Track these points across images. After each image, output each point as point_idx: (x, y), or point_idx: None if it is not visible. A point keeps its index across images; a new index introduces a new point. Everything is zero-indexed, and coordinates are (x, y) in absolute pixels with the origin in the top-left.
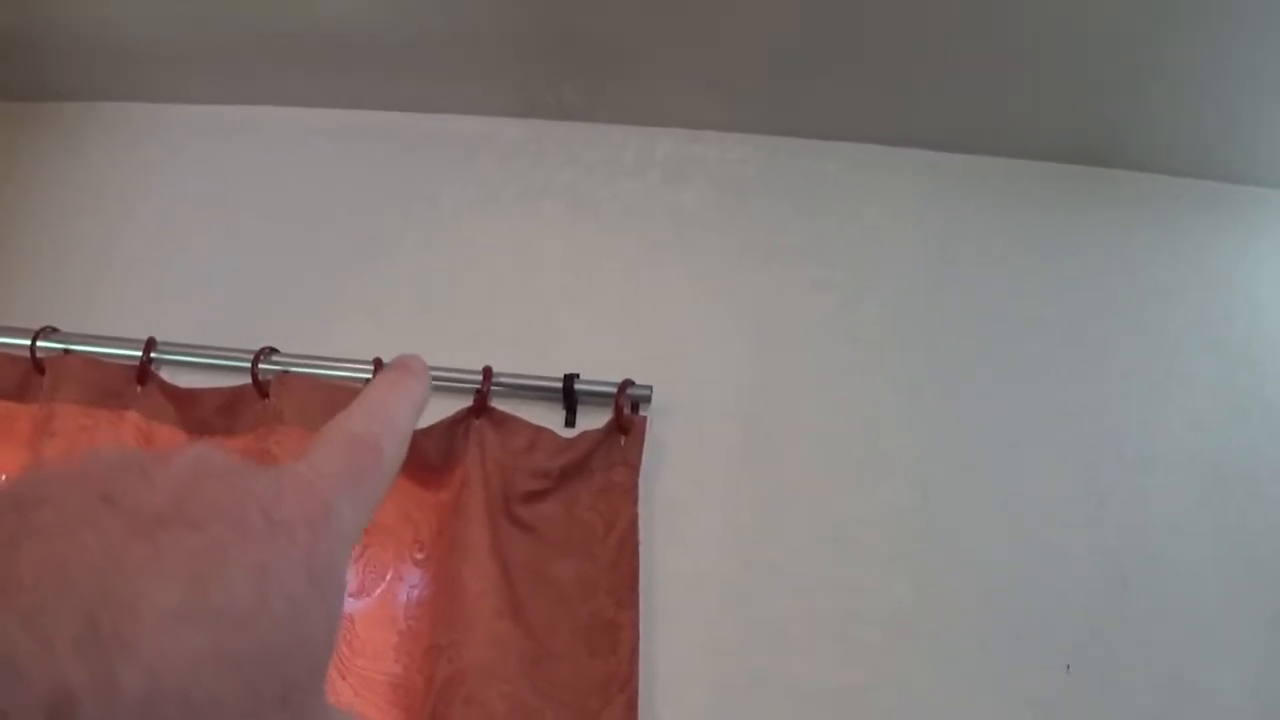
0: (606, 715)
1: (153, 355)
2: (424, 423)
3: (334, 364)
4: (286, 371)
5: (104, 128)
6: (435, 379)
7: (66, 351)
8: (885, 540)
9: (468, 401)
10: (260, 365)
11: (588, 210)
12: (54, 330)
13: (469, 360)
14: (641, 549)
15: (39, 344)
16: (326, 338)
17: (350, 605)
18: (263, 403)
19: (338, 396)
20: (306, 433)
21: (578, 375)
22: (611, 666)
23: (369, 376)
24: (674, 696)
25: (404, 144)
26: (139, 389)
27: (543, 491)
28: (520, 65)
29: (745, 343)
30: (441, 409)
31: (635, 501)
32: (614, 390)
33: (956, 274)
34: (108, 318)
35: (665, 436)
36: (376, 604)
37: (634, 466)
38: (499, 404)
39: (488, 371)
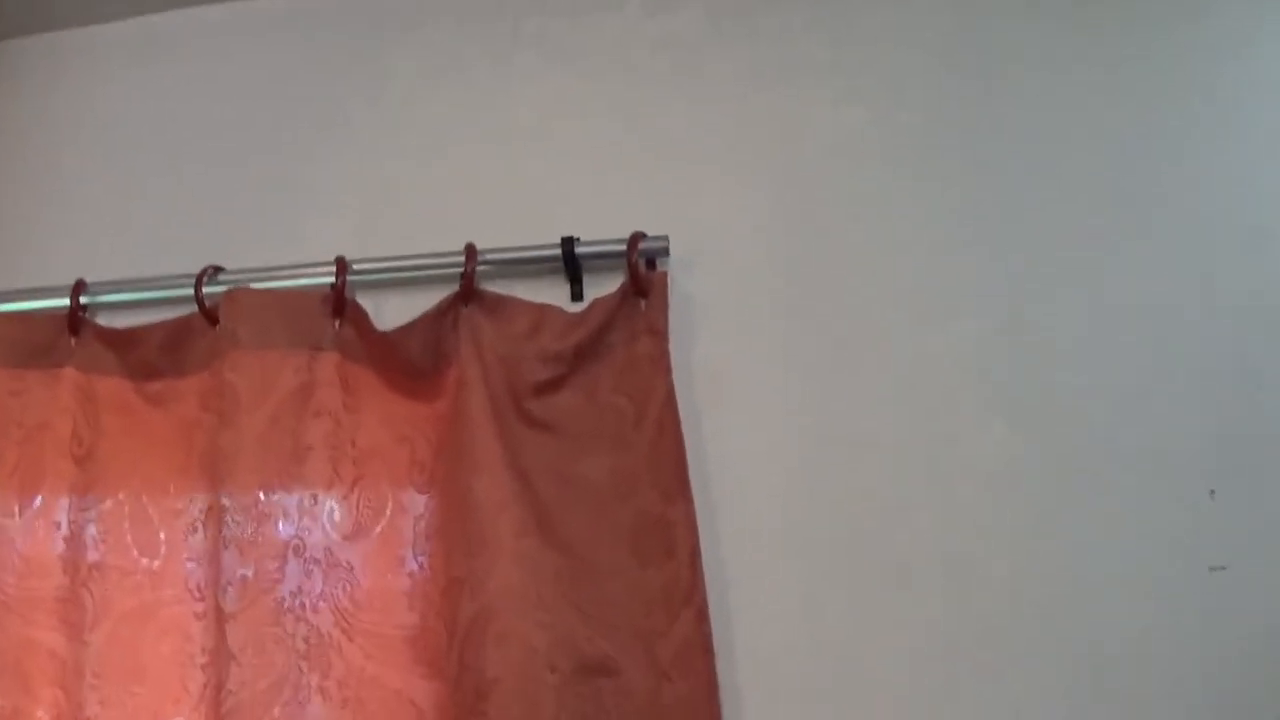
0: (674, 634)
1: (83, 300)
2: (402, 318)
3: (292, 272)
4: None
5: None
6: (410, 268)
7: None
8: (971, 377)
9: (452, 289)
10: (205, 288)
11: (563, 57)
12: None
13: (451, 244)
14: (684, 428)
15: None
16: (285, 247)
17: (347, 550)
18: (214, 330)
19: (299, 306)
20: (266, 354)
21: (577, 239)
22: (669, 574)
23: (332, 280)
24: (748, 600)
25: (346, 24)
26: (73, 340)
27: (556, 380)
28: None
29: (768, 174)
30: (423, 303)
31: (668, 373)
32: (623, 248)
33: (1005, 67)
34: (41, 269)
35: (692, 293)
36: (378, 544)
37: (660, 333)
38: (491, 288)
39: (471, 249)
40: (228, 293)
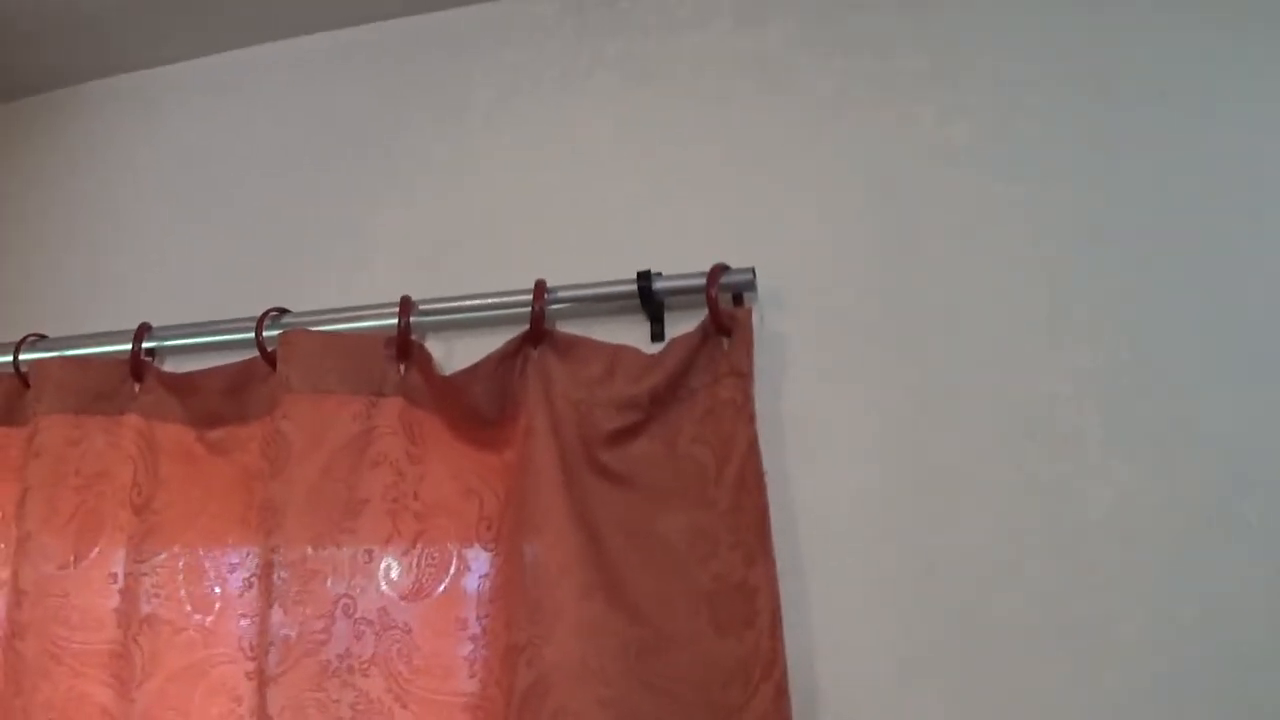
0: (751, 710)
1: (146, 344)
2: (467, 360)
3: (356, 313)
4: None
5: (59, 115)
6: (478, 308)
7: None
8: (1090, 415)
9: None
10: (267, 331)
11: (645, 79)
12: (41, 338)
13: (523, 281)
14: (770, 482)
15: (23, 356)
16: (352, 288)
17: (404, 610)
18: (274, 375)
19: (360, 348)
20: (322, 400)
21: (659, 273)
22: (749, 644)
23: (395, 321)
24: (839, 672)
25: (416, 52)
26: (136, 386)
27: (632, 427)
28: None
29: (865, 198)
30: (495, 346)
31: (751, 420)
32: (703, 282)
33: (1129, 74)
34: (105, 315)
35: (782, 330)
36: (439, 605)
37: (744, 375)
38: (568, 328)
39: (540, 286)
40: (283, 335)
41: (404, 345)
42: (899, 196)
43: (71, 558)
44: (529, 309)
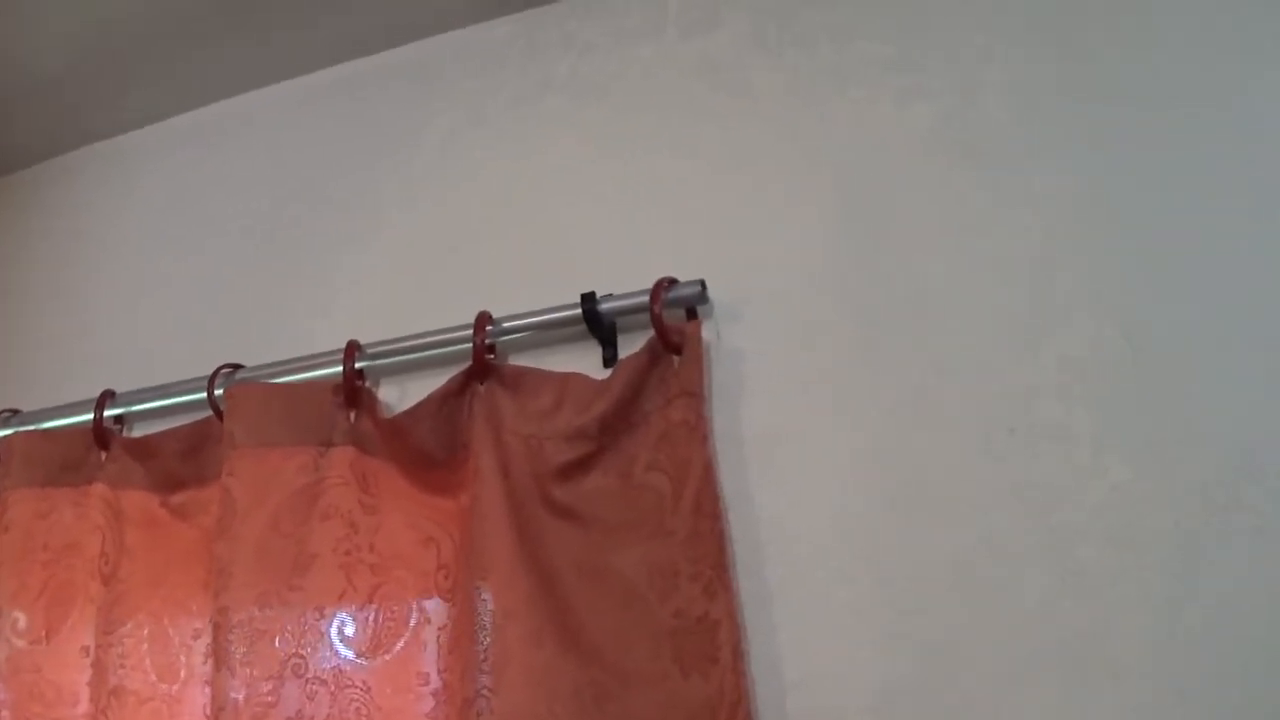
0: None
1: (108, 412)
2: (410, 400)
3: (306, 363)
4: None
5: (16, 194)
6: (424, 346)
7: None
8: (1080, 411)
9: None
10: (219, 388)
11: (595, 96)
12: (14, 413)
13: (468, 315)
14: (731, 507)
15: None
16: (309, 338)
17: (362, 668)
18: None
19: (306, 398)
20: (266, 454)
21: (608, 294)
22: (715, 683)
23: (340, 368)
24: (813, 706)
25: (368, 92)
26: (102, 455)
27: (584, 459)
28: None
29: (824, 194)
30: (436, 383)
31: (705, 441)
32: (648, 299)
33: (1104, 39)
34: (74, 384)
35: (740, 345)
36: (398, 661)
37: (696, 394)
38: (520, 359)
39: (483, 318)
40: (227, 390)
41: (351, 391)
42: (860, 191)
43: (44, 632)
44: (468, 342)
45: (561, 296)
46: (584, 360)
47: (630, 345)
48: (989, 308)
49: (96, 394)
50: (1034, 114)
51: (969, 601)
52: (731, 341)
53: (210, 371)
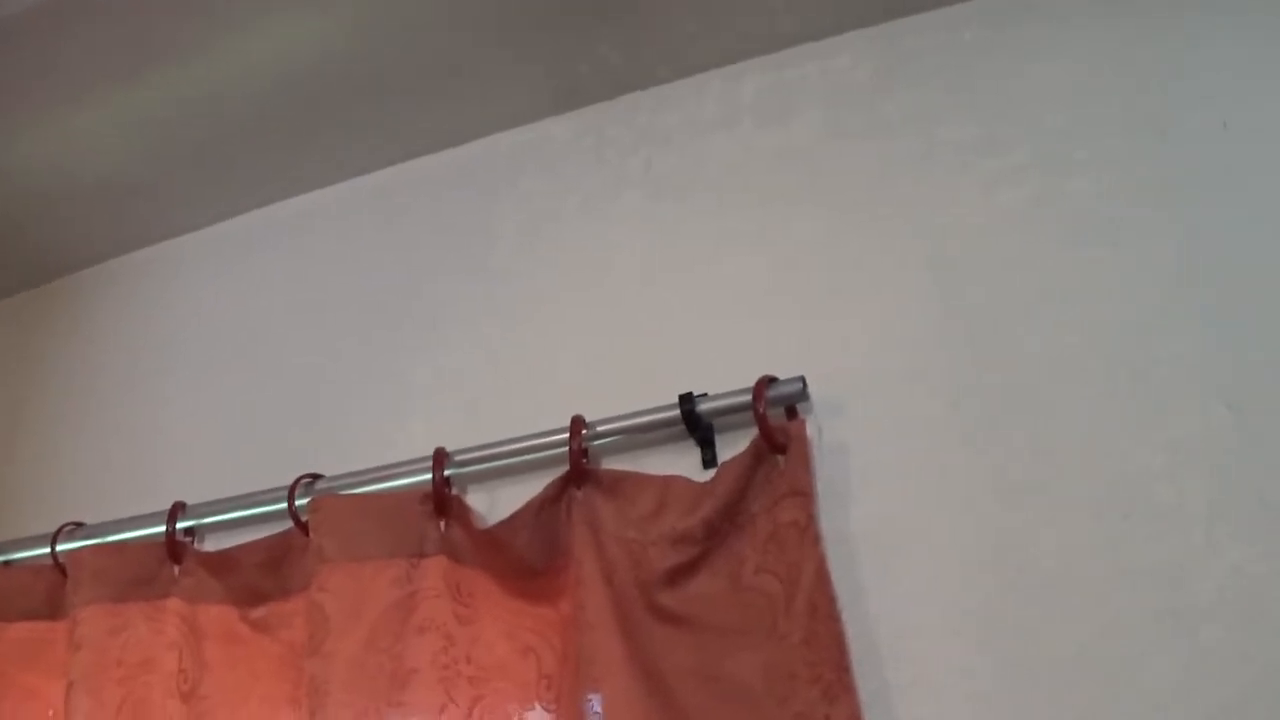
0: None
1: (181, 524)
2: (512, 510)
3: (390, 472)
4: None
5: (80, 297)
6: (516, 452)
7: None
8: (1200, 490)
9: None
10: (299, 499)
11: (671, 192)
12: (78, 526)
13: (566, 419)
14: (845, 608)
15: (60, 546)
16: (389, 446)
17: None
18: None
19: (395, 508)
20: (359, 568)
21: (703, 394)
22: None
23: (422, 476)
24: None
25: (432, 191)
26: (175, 569)
27: (690, 563)
28: (539, 41)
29: (916, 281)
30: (534, 491)
31: (817, 542)
32: (750, 398)
33: (1194, 110)
34: (141, 496)
35: (843, 440)
36: None
37: (805, 493)
38: (617, 464)
39: (577, 422)
40: (312, 501)
41: (441, 500)
42: (953, 276)
43: None
44: (564, 447)
45: (648, 398)
46: (681, 462)
47: (728, 445)
48: (1092, 389)
49: (163, 506)
50: (1125, 191)
51: (1095, 689)
52: (833, 436)
53: (282, 481)
